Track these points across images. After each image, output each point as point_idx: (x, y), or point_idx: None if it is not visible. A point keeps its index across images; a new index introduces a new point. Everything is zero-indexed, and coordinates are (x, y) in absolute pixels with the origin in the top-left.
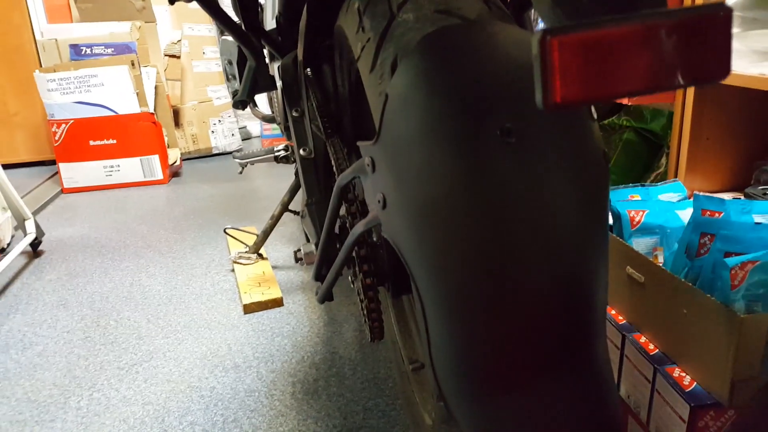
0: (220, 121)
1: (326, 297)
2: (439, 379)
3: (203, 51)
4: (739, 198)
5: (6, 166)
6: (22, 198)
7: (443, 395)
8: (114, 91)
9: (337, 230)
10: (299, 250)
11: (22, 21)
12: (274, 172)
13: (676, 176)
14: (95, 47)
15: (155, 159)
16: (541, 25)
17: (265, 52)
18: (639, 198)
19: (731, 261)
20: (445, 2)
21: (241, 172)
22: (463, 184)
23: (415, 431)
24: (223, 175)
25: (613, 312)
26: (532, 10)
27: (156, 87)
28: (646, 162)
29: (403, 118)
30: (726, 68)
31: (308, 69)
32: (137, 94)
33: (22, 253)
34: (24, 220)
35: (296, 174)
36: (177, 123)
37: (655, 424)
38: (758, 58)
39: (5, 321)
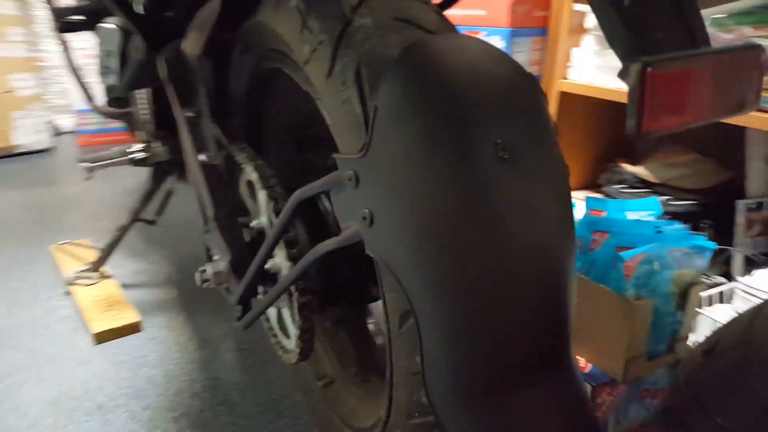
0: (26, 115)
1: (253, 322)
2: (432, 392)
3: (5, 33)
4: (596, 196)
5: None
6: None
7: (434, 407)
8: None
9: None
10: (204, 270)
11: None
12: (97, 173)
13: None
14: None
15: None
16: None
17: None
18: None
19: (626, 255)
20: (402, 10)
21: (88, 178)
22: (467, 200)
23: None
24: (33, 178)
25: None
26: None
27: None
28: None
29: (399, 133)
30: (758, 97)
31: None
32: None
33: None
34: None
35: (153, 179)
36: None
37: None
38: (609, 72)
39: None
